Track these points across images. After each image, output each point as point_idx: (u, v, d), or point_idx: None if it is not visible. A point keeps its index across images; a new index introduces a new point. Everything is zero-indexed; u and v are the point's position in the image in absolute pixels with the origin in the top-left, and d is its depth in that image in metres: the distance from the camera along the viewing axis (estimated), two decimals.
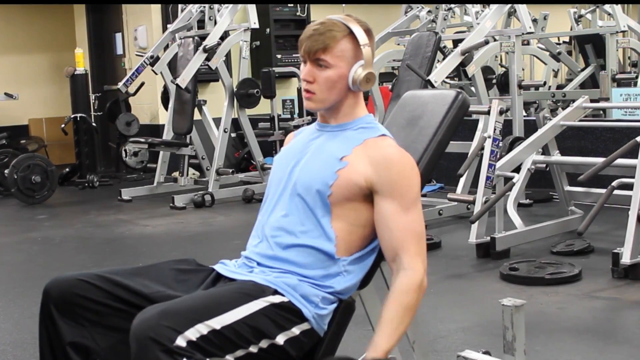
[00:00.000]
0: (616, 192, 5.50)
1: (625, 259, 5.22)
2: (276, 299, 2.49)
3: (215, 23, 9.46)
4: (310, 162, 2.68)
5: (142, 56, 9.93)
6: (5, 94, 11.04)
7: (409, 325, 2.57)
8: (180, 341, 2.23)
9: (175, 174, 10.03)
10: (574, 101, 6.75)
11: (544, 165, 6.40)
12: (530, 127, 7.26)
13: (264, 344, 2.41)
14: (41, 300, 2.55)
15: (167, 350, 2.20)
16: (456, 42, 9.91)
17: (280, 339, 2.45)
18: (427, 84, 7.24)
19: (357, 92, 2.70)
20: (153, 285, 2.58)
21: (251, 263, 2.67)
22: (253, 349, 2.39)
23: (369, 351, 2.48)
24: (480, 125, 6.98)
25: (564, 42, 11.89)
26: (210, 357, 2.29)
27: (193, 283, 2.66)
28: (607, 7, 9.84)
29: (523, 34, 8.02)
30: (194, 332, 2.26)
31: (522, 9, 8.04)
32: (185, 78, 8.91)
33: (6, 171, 9.39)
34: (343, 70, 2.62)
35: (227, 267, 2.72)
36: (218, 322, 2.32)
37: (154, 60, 9.71)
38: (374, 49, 2.67)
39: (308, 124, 9.59)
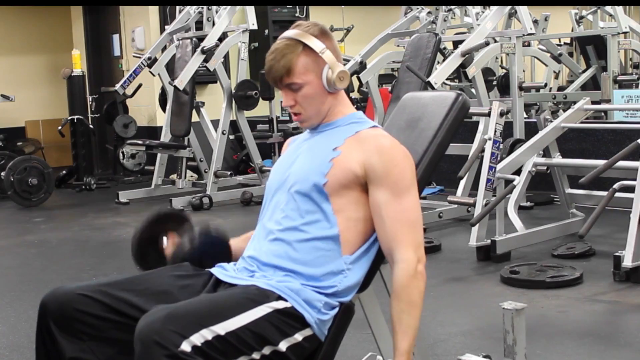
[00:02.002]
0: (618, 194, 5.49)
1: (627, 262, 5.21)
2: (280, 304, 2.48)
3: (214, 24, 9.45)
4: (303, 160, 2.72)
5: (139, 57, 9.91)
6: (2, 95, 10.97)
7: (420, 316, 2.58)
8: (185, 346, 2.23)
9: (173, 176, 9.98)
10: (575, 103, 6.71)
11: (545, 168, 6.36)
12: (531, 129, 7.23)
13: (266, 350, 2.42)
14: (38, 314, 2.52)
15: (172, 355, 2.20)
16: (456, 44, 9.86)
17: (283, 346, 2.44)
18: (427, 86, 7.22)
19: (337, 92, 2.75)
20: (155, 299, 2.54)
21: (252, 266, 2.67)
22: (255, 355, 2.39)
23: (393, 356, 2.55)
24: (480, 127, 6.99)
25: (565, 43, 11.88)
26: None
27: (195, 288, 2.64)
28: (608, 8, 9.85)
29: (524, 35, 8.00)
30: (198, 338, 2.26)
31: (522, 10, 8.03)
32: (183, 80, 8.88)
33: (2, 173, 9.33)
34: (315, 82, 2.68)
35: (226, 272, 2.71)
36: (223, 327, 2.32)
37: (151, 62, 9.69)
38: (334, 47, 2.73)
39: None
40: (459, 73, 9.45)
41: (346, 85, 2.71)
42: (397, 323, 2.54)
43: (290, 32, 2.70)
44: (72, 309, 2.48)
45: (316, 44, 2.66)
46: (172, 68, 9.79)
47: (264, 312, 2.43)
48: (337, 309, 2.60)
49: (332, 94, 2.73)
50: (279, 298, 2.49)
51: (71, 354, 2.48)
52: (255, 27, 9.50)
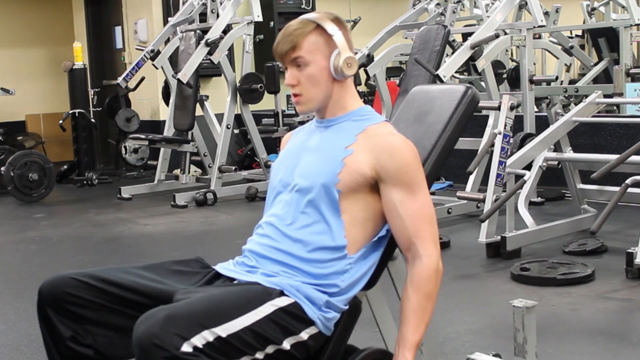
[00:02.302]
0: (630, 190, 5.44)
1: None
2: (283, 301, 2.47)
3: (218, 16, 9.39)
4: (312, 158, 2.70)
5: (142, 50, 9.88)
6: (2, 89, 10.97)
7: (432, 313, 2.61)
8: (186, 347, 2.22)
9: (177, 171, 9.98)
10: (586, 96, 6.70)
11: (556, 163, 6.34)
12: (542, 123, 7.27)
13: (270, 349, 2.41)
14: (37, 301, 2.57)
15: (172, 356, 2.20)
16: (465, 36, 9.79)
17: (287, 344, 2.44)
18: (436, 79, 7.21)
19: (344, 81, 2.71)
20: (146, 278, 2.58)
21: (250, 261, 2.66)
22: (259, 355, 2.39)
23: (399, 346, 2.56)
24: (490, 121, 7.03)
25: (577, 35, 11.94)
26: None
27: (189, 278, 2.65)
28: None
29: (534, 27, 7.96)
30: (199, 339, 2.25)
31: (533, 1, 7.97)
32: (186, 73, 8.84)
33: (2, 168, 9.32)
34: (322, 63, 2.65)
35: (227, 266, 2.72)
36: (224, 329, 2.31)
37: (154, 55, 9.64)
38: (348, 37, 2.69)
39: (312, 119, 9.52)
40: (468, 66, 9.44)
41: (354, 73, 2.67)
42: (412, 315, 2.56)
43: (306, 15, 2.71)
44: (63, 292, 2.51)
45: (329, 26, 2.64)
46: (175, 61, 9.76)
47: (267, 311, 2.41)
48: (341, 310, 2.59)
49: (339, 82, 2.69)
50: (282, 294, 2.48)
51: (69, 334, 2.53)
52: (260, 19, 9.44)
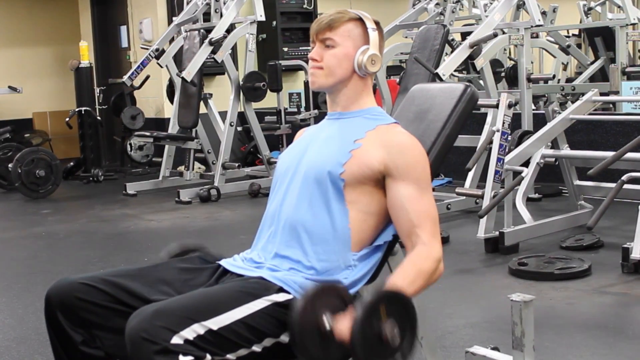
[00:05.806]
0: (626, 186, 5.47)
1: (635, 254, 5.21)
2: (280, 297, 2.46)
3: (221, 16, 9.41)
4: (321, 148, 2.70)
5: (147, 49, 9.88)
6: (9, 87, 11.01)
7: (420, 291, 2.52)
8: (176, 340, 2.22)
9: (181, 168, 10.01)
10: (583, 94, 6.69)
11: (553, 160, 6.35)
12: (539, 121, 7.22)
13: (267, 342, 2.40)
14: (44, 306, 2.55)
15: (163, 349, 2.20)
16: (464, 35, 9.84)
17: (286, 337, 2.42)
18: (435, 77, 7.19)
19: (364, 78, 2.73)
20: (156, 288, 2.56)
21: (260, 258, 2.65)
22: (257, 347, 2.38)
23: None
24: (488, 119, 7.00)
25: (574, 35, 11.84)
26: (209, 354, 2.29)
27: (197, 283, 2.63)
28: None
29: (532, 26, 7.98)
30: (190, 332, 2.25)
31: (531, 1, 7.98)
32: (190, 71, 8.86)
33: (10, 165, 9.33)
34: (349, 50, 2.68)
35: (233, 262, 2.70)
36: (215, 322, 2.31)
37: (159, 53, 9.66)
38: (382, 39, 2.72)
39: (314, 117, 9.58)
40: (467, 65, 9.45)
41: (375, 70, 2.70)
42: (401, 276, 2.49)
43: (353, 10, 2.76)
44: (74, 297, 2.50)
45: (370, 24, 2.70)
46: (179, 60, 9.78)
47: (261, 305, 2.41)
48: None
49: (360, 78, 2.72)
50: (281, 290, 2.47)
51: (81, 339, 2.52)
52: (263, 18, 9.48)
